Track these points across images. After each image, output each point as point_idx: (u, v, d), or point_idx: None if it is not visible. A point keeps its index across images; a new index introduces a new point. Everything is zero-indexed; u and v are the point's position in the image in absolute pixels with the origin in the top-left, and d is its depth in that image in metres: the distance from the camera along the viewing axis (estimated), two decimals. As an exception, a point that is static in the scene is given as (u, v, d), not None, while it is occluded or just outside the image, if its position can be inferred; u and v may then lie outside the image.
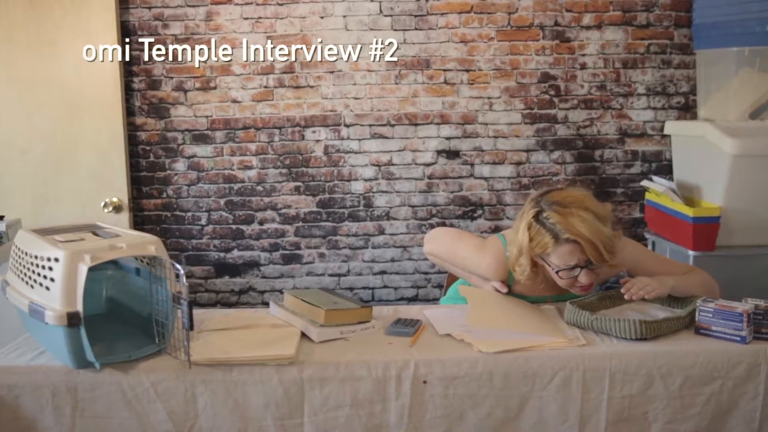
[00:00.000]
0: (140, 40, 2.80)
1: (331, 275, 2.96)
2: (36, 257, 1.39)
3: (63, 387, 1.37)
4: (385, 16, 2.82)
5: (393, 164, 2.90)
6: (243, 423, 1.38)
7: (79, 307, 1.30)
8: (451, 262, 1.86)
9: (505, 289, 1.72)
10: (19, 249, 1.50)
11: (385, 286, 2.97)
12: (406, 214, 2.93)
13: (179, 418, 1.38)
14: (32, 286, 1.40)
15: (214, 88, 2.85)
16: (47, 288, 1.34)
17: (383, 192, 2.92)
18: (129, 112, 2.84)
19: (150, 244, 1.41)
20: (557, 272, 1.58)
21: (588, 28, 2.85)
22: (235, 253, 2.94)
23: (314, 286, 2.95)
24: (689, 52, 2.86)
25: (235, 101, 2.86)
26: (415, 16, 2.82)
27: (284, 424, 1.39)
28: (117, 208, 2.77)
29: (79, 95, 2.73)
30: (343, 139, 2.88)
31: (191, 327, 1.31)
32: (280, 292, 2.96)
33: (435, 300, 2.97)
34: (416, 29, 2.83)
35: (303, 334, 1.52)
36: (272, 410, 1.38)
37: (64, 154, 2.74)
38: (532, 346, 1.43)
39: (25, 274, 1.43)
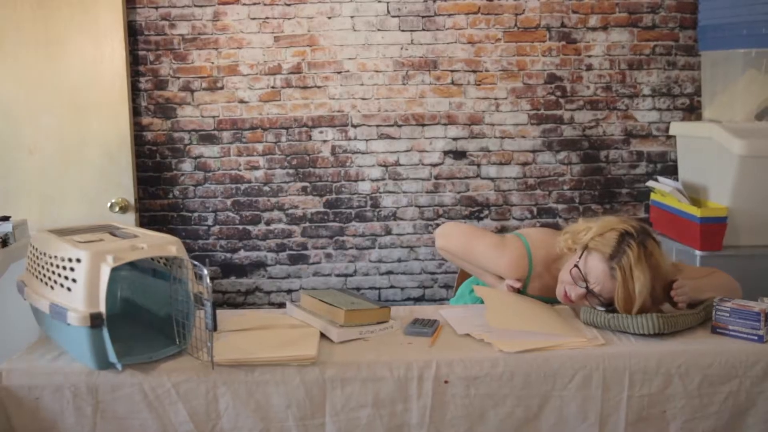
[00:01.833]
0: (147, 39, 2.80)
1: (337, 275, 2.96)
2: (56, 258, 1.38)
3: (84, 388, 1.37)
4: (393, 16, 2.82)
5: (400, 164, 2.91)
6: (265, 423, 1.38)
7: (102, 308, 1.30)
8: (466, 259, 1.83)
9: (519, 286, 1.72)
10: (36, 250, 1.49)
11: (392, 287, 2.98)
12: (413, 215, 2.94)
13: (201, 418, 1.38)
14: (52, 287, 1.39)
15: (221, 88, 2.84)
16: (69, 289, 1.34)
17: (390, 192, 2.92)
18: (135, 112, 2.84)
19: (171, 244, 1.41)
20: (574, 266, 1.58)
21: (594, 29, 2.86)
22: (242, 253, 2.94)
23: (321, 287, 2.95)
24: (694, 54, 2.88)
25: (242, 101, 2.85)
26: (423, 16, 2.83)
27: (306, 425, 1.39)
28: (123, 209, 2.76)
29: (86, 95, 2.72)
30: (350, 139, 2.88)
31: (215, 327, 1.31)
32: (287, 292, 2.96)
33: (441, 300, 2.98)
34: (424, 30, 2.83)
35: (321, 335, 1.52)
36: (294, 410, 1.38)
37: (71, 154, 2.73)
38: (552, 346, 1.44)
39: (44, 275, 1.43)
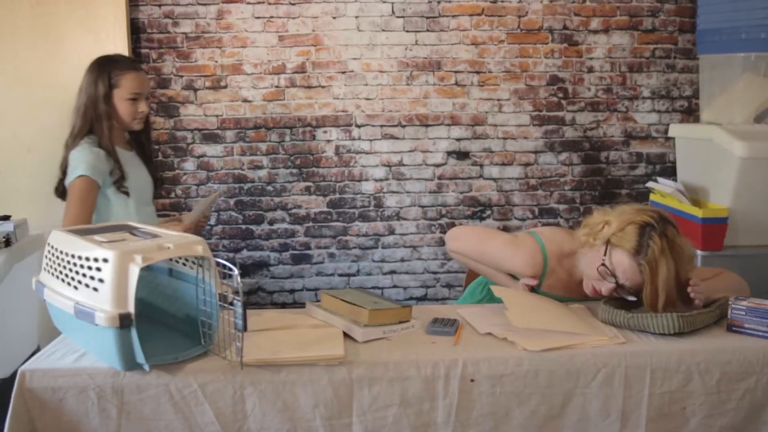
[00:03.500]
0: (150, 37, 2.77)
1: (340, 275, 2.96)
2: (80, 258, 1.36)
3: (109, 389, 1.35)
4: (397, 17, 2.83)
5: (403, 165, 2.92)
6: (292, 424, 1.38)
7: (131, 309, 1.28)
8: (479, 260, 1.84)
9: (534, 283, 1.74)
10: (56, 249, 1.47)
11: (395, 286, 2.98)
12: (416, 215, 2.95)
13: (227, 419, 1.37)
14: (76, 287, 1.37)
15: (225, 87, 2.83)
16: (95, 289, 1.32)
17: (393, 192, 2.93)
18: (137, 110, 2.80)
19: (196, 244, 1.40)
20: (601, 264, 1.60)
21: (595, 32, 2.90)
22: (245, 253, 2.92)
23: (324, 287, 2.95)
24: (693, 57, 2.93)
25: (245, 101, 2.84)
26: (427, 17, 2.84)
27: (333, 424, 1.39)
28: (125, 208, 2.72)
29: (87, 93, 2.67)
30: (354, 139, 2.88)
31: (245, 328, 1.31)
32: (290, 292, 2.96)
33: (444, 299, 2.99)
34: (428, 31, 2.85)
35: (344, 334, 1.52)
36: (321, 410, 1.38)
37: (72, 152, 2.69)
38: (575, 344, 1.46)
39: (67, 275, 1.41)
